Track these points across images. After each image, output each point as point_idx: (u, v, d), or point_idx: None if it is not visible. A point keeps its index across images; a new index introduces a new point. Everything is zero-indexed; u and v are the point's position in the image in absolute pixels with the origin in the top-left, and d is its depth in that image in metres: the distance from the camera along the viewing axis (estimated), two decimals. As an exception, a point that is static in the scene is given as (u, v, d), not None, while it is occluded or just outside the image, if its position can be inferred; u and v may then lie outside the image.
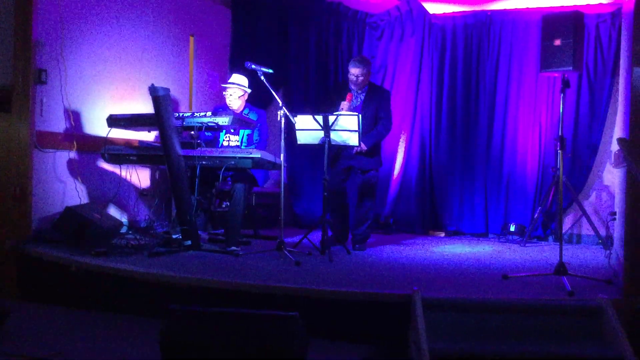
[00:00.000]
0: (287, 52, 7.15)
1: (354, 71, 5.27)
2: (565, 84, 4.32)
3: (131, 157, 5.03)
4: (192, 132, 4.82)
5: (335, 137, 4.90)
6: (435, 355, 3.09)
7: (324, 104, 5.60)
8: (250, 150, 4.84)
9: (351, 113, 4.88)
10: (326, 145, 4.89)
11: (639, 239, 3.54)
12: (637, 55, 3.64)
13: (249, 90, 5.41)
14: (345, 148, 5.19)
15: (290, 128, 5.01)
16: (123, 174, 5.27)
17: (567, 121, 6.02)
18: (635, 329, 3.39)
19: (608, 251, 5.07)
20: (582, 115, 6.16)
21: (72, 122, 5.13)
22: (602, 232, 5.77)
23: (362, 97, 5.33)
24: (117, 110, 5.25)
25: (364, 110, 5.22)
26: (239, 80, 5.38)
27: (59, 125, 5.05)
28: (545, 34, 5.28)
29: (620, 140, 3.72)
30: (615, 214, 5.43)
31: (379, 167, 5.51)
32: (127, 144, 5.46)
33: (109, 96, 5.51)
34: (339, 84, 5.70)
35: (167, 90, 4.66)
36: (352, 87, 5.31)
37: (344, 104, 5.09)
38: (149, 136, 5.67)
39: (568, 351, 3.23)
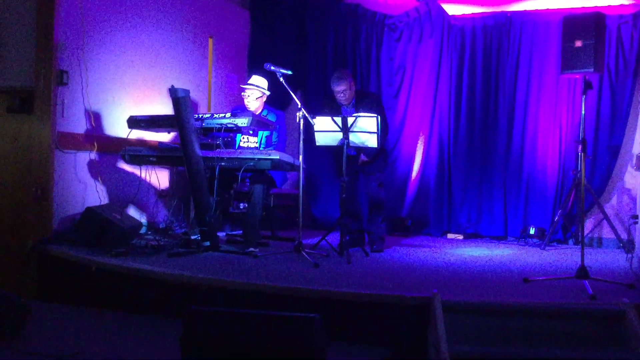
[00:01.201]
0: (305, 53, 7.16)
1: (338, 88, 5.16)
2: (587, 85, 4.28)
3: (151, 158, 5.06)
4: (217, 142, 4.84)
5: (354, 138, 4.88)
6: (454, 358, 3.07)
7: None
8: (269, 151, 4.85)
9: (370, 115, 4.86)
10: (345, 147, 4.88)
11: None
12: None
13: (267, 92, 5.43)
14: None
15: (309, 130, 5.01)
16: (143, 174, 5.31)
17: (588, 123, 5.93)
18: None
19: (630, 255, 5.00)
20: (603, 117, 6.08)
21: (93, 123, 5.18)
22: (624, 235, 5.70)
23: (353, 109, 5.24)
24: (137, 112, 5.30)
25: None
26: (257, 81, 5.39)
27: (80, 126, 5.10)
28: (566, 35, 5.24)
29: (643, 143, 3.67)
30: (637, 217, 5.35)
31: (383, 169, 5.51)
32: (147, 144, 5.50)
33: (129, 97, 5.56)
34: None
35: (187, 91, 4.68)
36: (342, 103, 5.25)
37: None
38: (167, 137, 5.71)
39: (589, 355, 3.20)
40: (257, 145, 5.40)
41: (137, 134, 5.39)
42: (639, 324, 3.24)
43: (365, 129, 4.82)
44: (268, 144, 5.42)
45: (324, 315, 2.97)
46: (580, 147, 4.29)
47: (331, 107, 5.26)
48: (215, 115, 4.94)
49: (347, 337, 3.61)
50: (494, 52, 6.51)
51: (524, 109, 6.39)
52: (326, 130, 4.93)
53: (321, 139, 5.00)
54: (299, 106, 4.83)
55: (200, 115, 4.99)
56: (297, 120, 4.81)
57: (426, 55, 6.76)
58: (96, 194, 5.17)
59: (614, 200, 6.12)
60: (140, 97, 5.65)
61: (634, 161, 5.92)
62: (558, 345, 3.29)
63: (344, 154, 4.89)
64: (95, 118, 5.20)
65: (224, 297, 3.87)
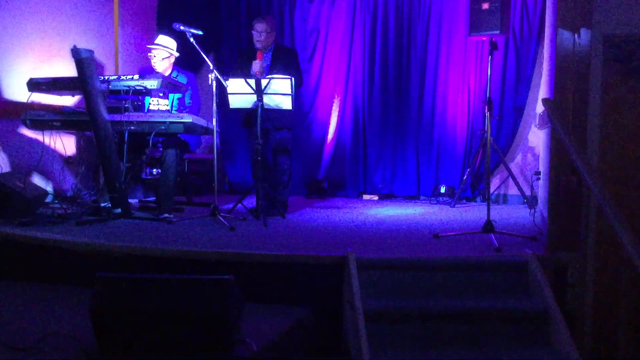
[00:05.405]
0: (218, 14, 6.97)
1: (259, 27, 5.15)
2: (493, 45, 4.41)
3: (54, 123, 4.82)
4: (126, 105, 4.64)
5: (268, 100, 4.83)
6: (368, 312, 3.15)
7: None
8: (181, 114, 4.72)
9: (284, 77, 4.81)
10: (259, 110, 4.82)
11: (562, 197, 3.69)
12: (561, 17, 3.74)
13: (176, 54, 5.26)
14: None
15: (222, 92, 4.91)
16: (46, 140, 5.03)
17: (494, 84, 6.15)
18: (559, 282, 3.56)
19: (532, 210, 5.28)
20: (509, 78, 6.31)
21: (-11, 87, 4.87)
22: (527, 191, 5.98)
23: (270, 58, 5.24)
24: (37, 74, 5.01)
25: (272, 70, 5.14)
26: (164, 41, 5.21)
27: (-26, 89, 4.78)
28: (473, -3, 5.35)
29: (545, 101, 3.84)
30: (539, 173, 5.63)
31: (292, 127, 5.40)
32: (50, 109, 5.22)
33: (29, 58, 5.25)
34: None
35: (91, 52, 4.46)
36: (258, 46, 5.20)
37: (257, 63, 5.01)
38: (72, 100, 5.44)
39: (497, 304, 3.36)
40: (168, 108, 5.24)
41: (38, 98, 5.09)
42: (541, 274, 3.43)
43: (280, 91, 4.77)
44: (180, 106, 5.27)
45: (241, 278, 2.96)
46: (486, 108, 4.44)
47: (248, 57, 5.16)
48: (122, 77, 4.75)
49: (265, 299, 3.62)
50: (405, 14, 6.57)
51: (434, 71, 6.53)
52: (240, 92, 4.84)
53: (235, 102, 4.91)
54: (212, 68, 4.72)
55: (106, 77, 4.77)
56: (210, 82, 4.70)
57: (339, 17, 6.74)
58: (-4, 162, 4.90)
59: (518, 159, 6.40)
60: (40, 58, 5.34)
61: (537, 120, 6.19)
62: (467, 296, 3.44)
63: (258, 116, 4.83)
64: (-9, 81, 4.89)
65: (139, 265, 3.77)
